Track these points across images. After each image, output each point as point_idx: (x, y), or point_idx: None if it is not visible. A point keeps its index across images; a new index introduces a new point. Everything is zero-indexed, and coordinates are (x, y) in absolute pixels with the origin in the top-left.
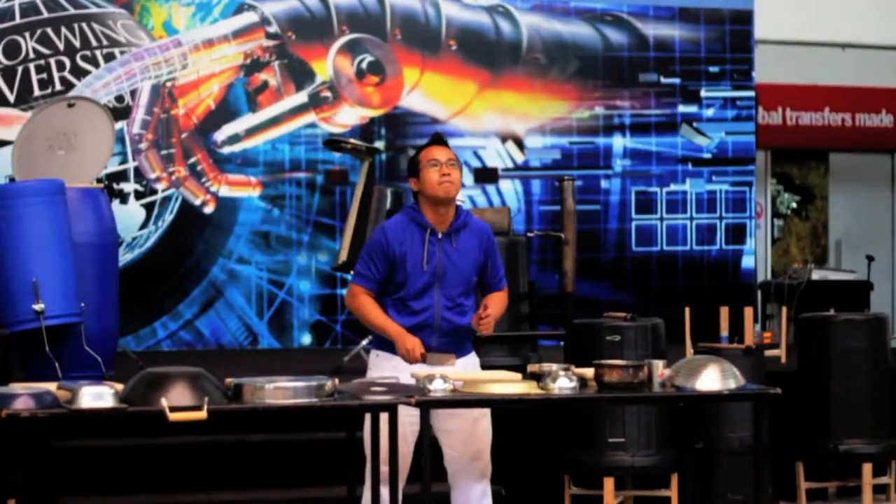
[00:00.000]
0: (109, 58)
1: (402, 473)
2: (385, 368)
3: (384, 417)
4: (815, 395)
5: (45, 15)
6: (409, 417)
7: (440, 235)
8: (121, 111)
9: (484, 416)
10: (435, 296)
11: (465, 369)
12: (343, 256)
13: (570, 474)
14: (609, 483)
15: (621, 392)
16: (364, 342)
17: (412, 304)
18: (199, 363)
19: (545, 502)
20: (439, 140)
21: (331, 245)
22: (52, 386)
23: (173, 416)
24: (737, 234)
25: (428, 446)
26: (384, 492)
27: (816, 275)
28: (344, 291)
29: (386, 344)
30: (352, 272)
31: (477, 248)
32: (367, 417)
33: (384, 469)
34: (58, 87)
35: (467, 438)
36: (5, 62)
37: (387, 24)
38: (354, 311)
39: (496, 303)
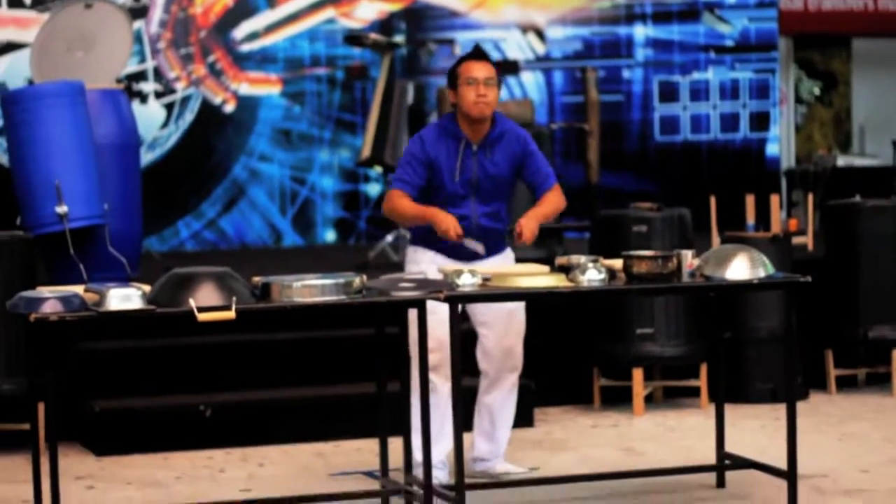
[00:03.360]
0: None
1: (444, 365)
2: (422, 262)
3: (435, 310)
4: (842, 283)
5: None
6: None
7: (475, 148)
8: (138, 10)
9: (519, 308)
10: (471, 205)
11: (503, 263)
12: (367, 152)
13: (598, 366)
14: (638, 374)
15: (651, 283)
16: (389, 237)
17: (450, 211)
18: (223, 262)
19: (574, 394)
20: (479, 55)
21: (352, 141)
22: (79, 289)
23: (202, 317)
24: (760, 121)
25: (458, 341)
26: (433, 377)
27: (841, 161)
28: (367, 187)
29: (423, 239)
30: (390, 178)
31: (513, 158)
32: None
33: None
34: None
35: (503, 332)
36: None
37: None
38: (391, 213)
39: (549, 202)
